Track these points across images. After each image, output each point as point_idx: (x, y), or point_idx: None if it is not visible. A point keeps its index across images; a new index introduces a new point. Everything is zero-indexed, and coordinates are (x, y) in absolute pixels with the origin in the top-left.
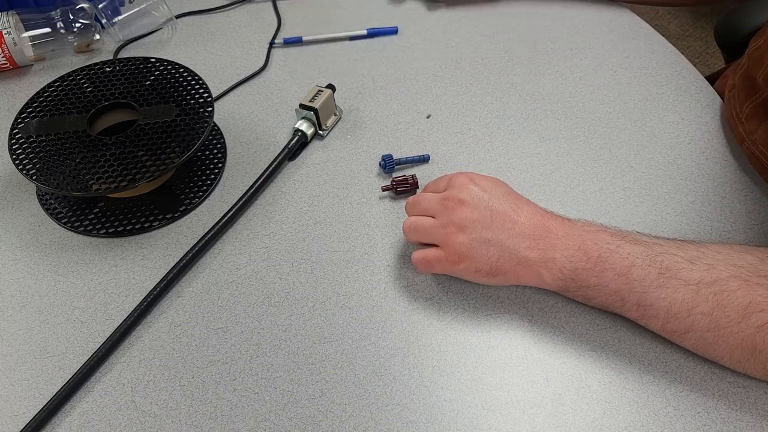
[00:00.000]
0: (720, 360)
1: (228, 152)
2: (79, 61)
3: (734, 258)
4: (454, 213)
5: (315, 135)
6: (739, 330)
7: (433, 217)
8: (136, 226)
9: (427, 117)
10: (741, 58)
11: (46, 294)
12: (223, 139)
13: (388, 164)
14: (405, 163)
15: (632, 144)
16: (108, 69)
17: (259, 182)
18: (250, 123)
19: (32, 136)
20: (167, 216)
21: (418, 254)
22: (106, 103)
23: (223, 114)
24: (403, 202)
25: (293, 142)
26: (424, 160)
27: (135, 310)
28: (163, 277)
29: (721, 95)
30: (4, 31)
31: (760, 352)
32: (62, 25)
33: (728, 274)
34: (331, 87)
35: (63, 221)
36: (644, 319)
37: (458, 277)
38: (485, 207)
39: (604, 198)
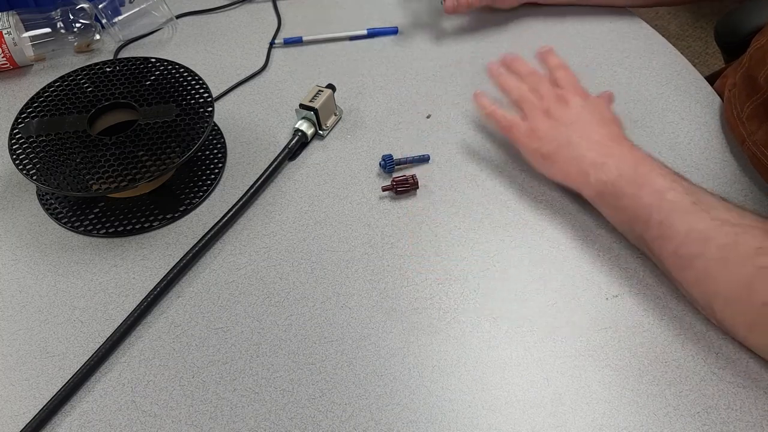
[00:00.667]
0: (714, 297)
1: (228, 152)
2: (79, 61)
3: (765, 220)
4: (555, 103)
5: (315, 135)
6: (743, 267)
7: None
8: (136, 226)
9: (427, 117)
10: (742, 58)
11: (46, 294)
12: (223, 139)
13: (388, 164)
14: (405, 163)
15: None
16: (108, 69)
17: (259, 182)
18: (250, 123)
19: (32, 136)
20: (167, 216)
21: (507, 117)
22: (106, 103)
23: (223, 114)
24: (403, 203)
25: (293, 142)
26: (424, 160)
27: (135, 310)
28: (163, 277)
29: (721, 95)
30: (4, 31)
31: (755, 292)
32: (62, 25)
33: (755, 224)
34: (331, 87)
35: (63, 221)
36: (660, 240)
37: (517, 148)
38: (577, 114)
39: None
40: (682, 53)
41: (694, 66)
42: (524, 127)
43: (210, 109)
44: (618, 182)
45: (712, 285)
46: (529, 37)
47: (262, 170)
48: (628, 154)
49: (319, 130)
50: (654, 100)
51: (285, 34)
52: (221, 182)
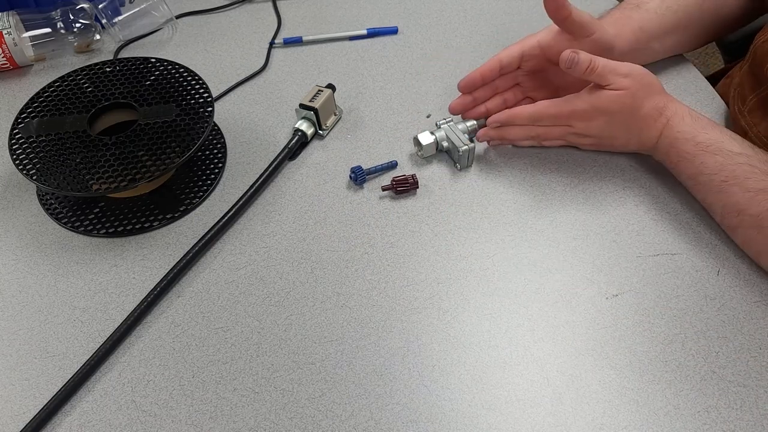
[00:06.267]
0: (758, 256)
1: (228, 152)
2: (79, 61)
3: None
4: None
5: (315, 135)
6: None
7: None
8: (136, 226)
9: (427, 117)
10: (746, 56)
11: (46, 294)
12: (223, 139)
13: (359, 176)
14: (375, 173)
15: None
16: (108, 69)
17: (259, 182)
18: (250, 123)
19: (32, 136)
20: (167, 216)
21: (540, 130)
22: (107, 103)
23: (223, 114)
24: (403, 203)
25: (293, 141)
26: (392, 166)
27: (135, 310)
28: (163, 277)
29: (725, 95)
30: (4, 31)
31: None
32: (62, 25)
33: None
34: (331, 87)
35: (63, 221)
36: (707, 211)
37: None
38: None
39: (603, 197)
40: (682, 53)
41: (694, 66)
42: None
43: (210, 109)
44: (665, 163)
45: (755, 247)
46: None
47: (262, 170)
48: (661, 134)
49: (319, 130)
50: None
51: (285, 34)
52: (221, 182)
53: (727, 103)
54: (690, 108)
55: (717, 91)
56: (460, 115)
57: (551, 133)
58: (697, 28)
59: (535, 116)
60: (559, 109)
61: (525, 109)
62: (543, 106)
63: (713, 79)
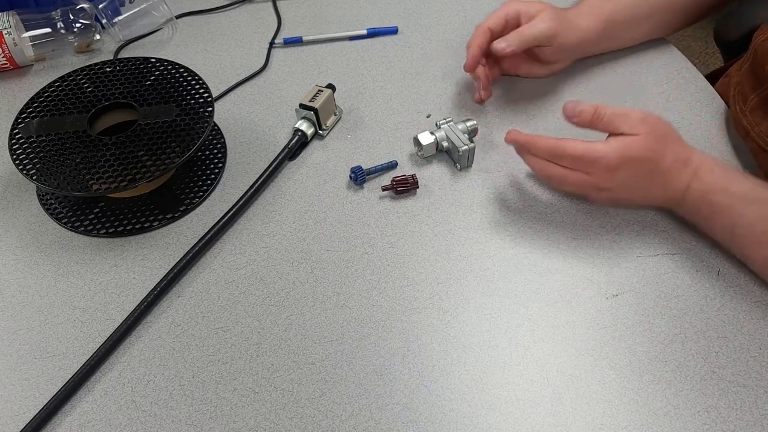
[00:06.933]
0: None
1: (228, 152)
2: (79, 61)
3: None
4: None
5: (315, 135)
6: None
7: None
8: (136, 226)
9: (427, 117)
10: (745, 54)
11: (46, 294)
12: (223, 139)
13: (359, 176)
14: (375, 173)
15: None
16: (108, 69)
17: (259, 182)
18: (250, 123)
19: (32, 136)
20: (167, 216)
21: (556, 170)
22: (107, 103)
23: (223, 114)
24: (403, 203)
25: (293, 141)
26: (392, 166)
27: (135, 310)
28: (163, 277)
29: (724, 94)
30: (4, 31)
31: None
32: (62, 25)
33: None
34: (331, 87)
35: (63, 221)
36: (744, 262)
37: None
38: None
39: None
40: (682, 53)
41: (694, 66)
42: (594, 180)
43: (210, 109)
44: (694, 214)
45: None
46: None
47: (262, 170)
48: (689, 191)
49: (319, 130)
50: (654, 100)
51: (285, 34)
52: (221, 182)
53: (726, 103)
54: (714, 157)
55: (716, 91)
56: (460, 116)
57: (568, 177)
58: (669, 14)
59: (556, 151)
60: (584, 152)
61: (546, 141)
62: (567, 143)
63: (711, 78)
